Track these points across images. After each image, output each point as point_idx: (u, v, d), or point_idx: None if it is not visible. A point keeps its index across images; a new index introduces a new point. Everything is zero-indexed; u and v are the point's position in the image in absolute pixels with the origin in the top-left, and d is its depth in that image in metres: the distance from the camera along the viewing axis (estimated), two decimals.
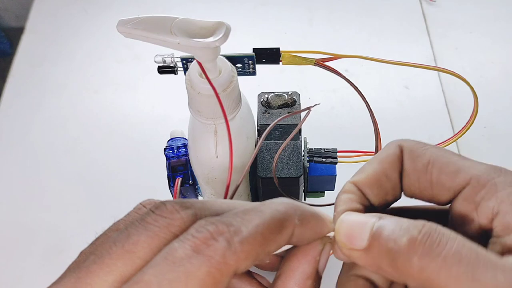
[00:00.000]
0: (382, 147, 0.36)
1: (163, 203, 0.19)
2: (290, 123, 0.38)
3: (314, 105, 0.34)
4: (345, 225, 0.21)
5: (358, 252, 0.20)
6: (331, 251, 0.22)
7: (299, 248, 0.21)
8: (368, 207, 0.23)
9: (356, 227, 0.20)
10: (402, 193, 0.24)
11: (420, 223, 0.19)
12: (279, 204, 0.20)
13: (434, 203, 0.23)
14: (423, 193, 0.23)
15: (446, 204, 0.23)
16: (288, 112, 0.38)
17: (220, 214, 0.19)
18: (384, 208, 0.24)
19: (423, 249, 0.18)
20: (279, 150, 0.35)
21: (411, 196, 0.24)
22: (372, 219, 0.20)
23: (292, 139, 0.36)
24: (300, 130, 0.38)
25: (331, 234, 0.22)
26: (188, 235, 0.18)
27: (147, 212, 0.19)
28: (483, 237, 0.21)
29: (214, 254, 0.17)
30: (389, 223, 0.19)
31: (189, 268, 0.17)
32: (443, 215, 0.24)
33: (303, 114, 0.34)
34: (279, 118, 0.35)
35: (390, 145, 0.24)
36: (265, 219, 0.19)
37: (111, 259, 0.17)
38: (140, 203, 0.20)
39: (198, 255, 0.17)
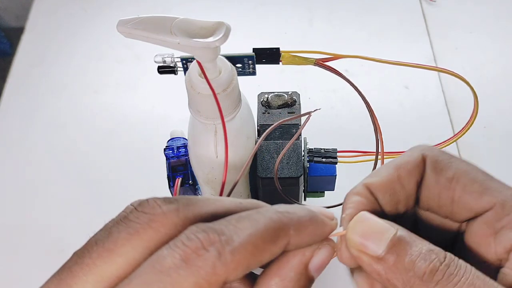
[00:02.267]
0: (384, 148, 0.36)
1: (147, 199, 0.19)
2: (290, 123, 0.38)
3: (315, 110, 0.34)
4: (364, 225, 0.20)
5: (369, 257, 0.19)
6: (334, 254, 0.21)
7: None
8: (379, 213, 0.21)
9: (375, 230, 0.19)
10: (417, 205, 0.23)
11: (441, 252, 0.19)
12: (274, 212, 0.19)
13: (449, 219, 0.22)
14: (441, 209, 0.22)
15: (462, 222, 0.22)
16: (288, 113, 0.39)
17: (207, 212, 0.19)
18: (394, 217, 0.22)
19: (441, 279, 0.18)
20: (281, 154, 0.35)
21: (426, 209, 0.22)
22: (392, 228, 0.19)
23: None
24: None
25: (339, 230, 0.21)
26: (178, 242, 0.17)
27: (131, 210, 0.18)
28: (494, 263, 0.20)
29: (203, 264, 0.16)
30: (410, 240, 0.19)
31: (177, 279, 0.16)
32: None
33: (303, 117, 0.34)
34: (281, 121, 0.35)
35: (412, 151, 0.22)
36: (258, 229, 0.18)
37: (90, 258, 0.17)
38: (131, 204, 0.19)
39: (187, 265, 0.16)
